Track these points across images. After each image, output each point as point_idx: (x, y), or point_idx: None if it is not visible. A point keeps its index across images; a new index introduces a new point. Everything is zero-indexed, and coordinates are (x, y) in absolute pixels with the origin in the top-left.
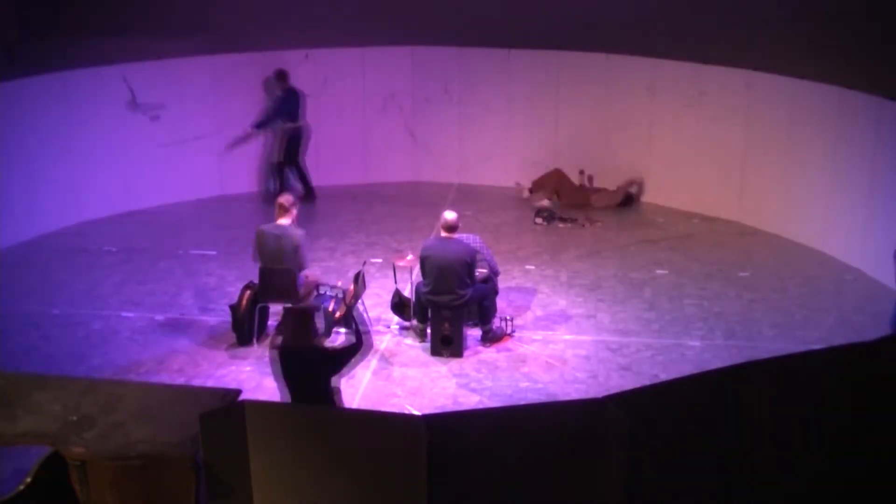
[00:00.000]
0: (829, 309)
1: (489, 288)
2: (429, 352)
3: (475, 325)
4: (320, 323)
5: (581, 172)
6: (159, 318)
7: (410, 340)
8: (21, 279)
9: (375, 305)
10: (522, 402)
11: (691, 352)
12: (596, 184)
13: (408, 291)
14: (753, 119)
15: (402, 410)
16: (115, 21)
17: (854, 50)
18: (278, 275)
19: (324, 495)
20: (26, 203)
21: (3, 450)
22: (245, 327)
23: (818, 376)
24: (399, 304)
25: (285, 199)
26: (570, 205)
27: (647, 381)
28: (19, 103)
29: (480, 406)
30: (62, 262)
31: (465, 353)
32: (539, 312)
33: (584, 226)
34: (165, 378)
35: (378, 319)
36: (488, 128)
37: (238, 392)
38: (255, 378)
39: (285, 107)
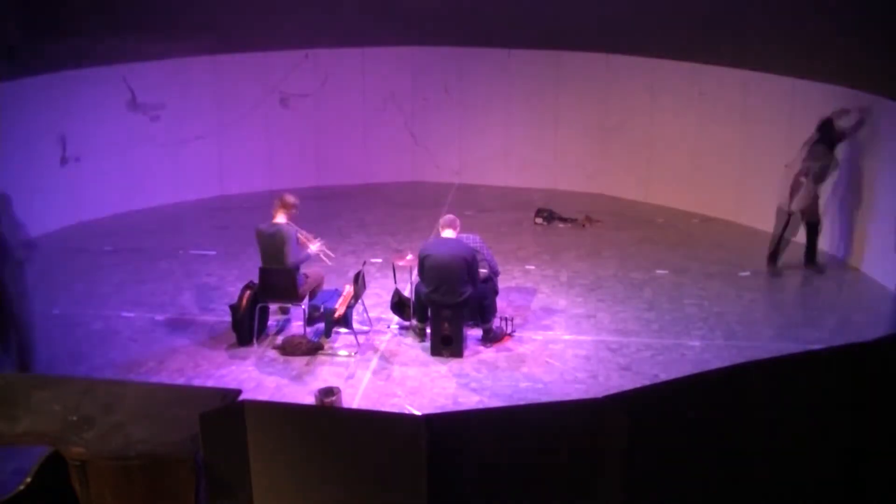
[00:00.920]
0: (829, 309)
1: (489, 288)
2: (429, 352)
3: (475, 325)
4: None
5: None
6: (159, 318)
7: (410, 340)
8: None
9: (375, 305)
10: (522, 402)
11: (691, 352)
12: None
13: (408, 291)
14: (753, 119)
15: (402, 410)
16: (115, 21)
17: (855, 50)
18: (278, 275)
19: (324, 495)
20: (26, 203)
21: (3, 450)
22: (245, 327)
23: (818, 376)
24: (399, 304)
25: (286, 195)
26: None
27: (647, 381)
28: (19, 103)
29: (480, 406)
30: (62, 262)
31: (465, 353)
32: (539, 312)
33: (584, 226)
34: (165, 378)
35: (378, 319)
36: (488, 128)
37: (238, 392)
38: (255, 378)
39: None
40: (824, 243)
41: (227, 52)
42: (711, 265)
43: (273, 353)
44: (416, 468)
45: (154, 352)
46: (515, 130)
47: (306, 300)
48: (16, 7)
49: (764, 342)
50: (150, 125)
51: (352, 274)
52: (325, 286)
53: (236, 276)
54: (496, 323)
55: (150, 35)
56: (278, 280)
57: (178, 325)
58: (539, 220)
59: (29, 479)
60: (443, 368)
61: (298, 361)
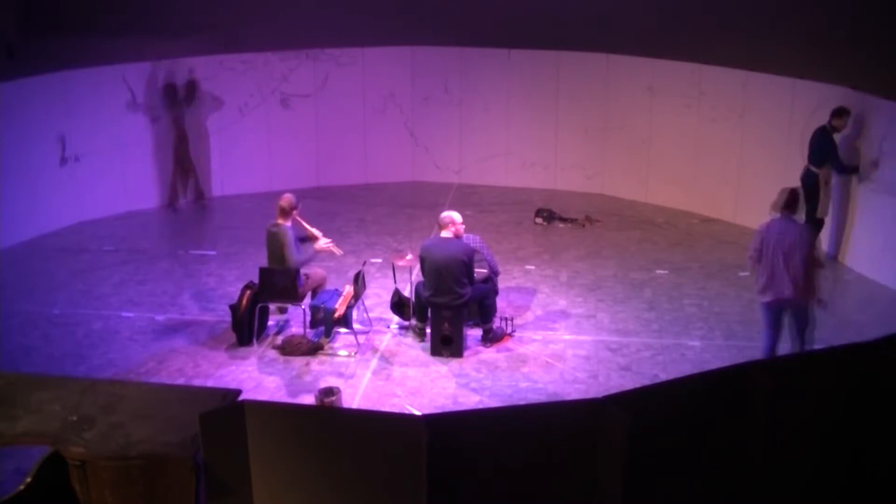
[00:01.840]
0: (829, 309)
1: (489, 288)
2: (429, 352)
3: (475, 324)
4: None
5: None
6: (159, 318)
7: (410, 340)
8: (21, 279)
9: (375, 305)
10: (522, 402)
11: (691, 352)
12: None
13: (407, 291)
14: (752, 119)
15: (402, 410)
16: (115, 21)
17: (855, 50)
18: (278, 275)
19: (324, 495)
20: (26, 203)
21: (3, 450)
22: (245, 327)
23: (818, 376)
24: (399, 304)
25: (282, 199)
26: None
27: (647, 381)
28: (19, 103)
29: (480, 406)
30: (62, 262)
31: (465, 353)
32: (539, 312)
33: (584, 226)
34: (165, 378)
35: (378, 319)
36: (488, 128)
37: (238, 392)
38: (255, 378)
39: None
40: (824, 243)
41: (227, 52)
42: (711, 265)
43: (273, 353)
44: (416, 468)
45: (154, 352)
46: (515, 130)
47: (307, 300)
48: (16, 7)
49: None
50: (150, 125)
51: (352, 274)
52: (326, 286)
53: (236, 276)
54: (496, 323)
55: (149, 35)
56: (278, 280)
57: (178, 325)
58: (539, 220)
59: (29, 479)
60: (443, 368)
61: (298, 361)
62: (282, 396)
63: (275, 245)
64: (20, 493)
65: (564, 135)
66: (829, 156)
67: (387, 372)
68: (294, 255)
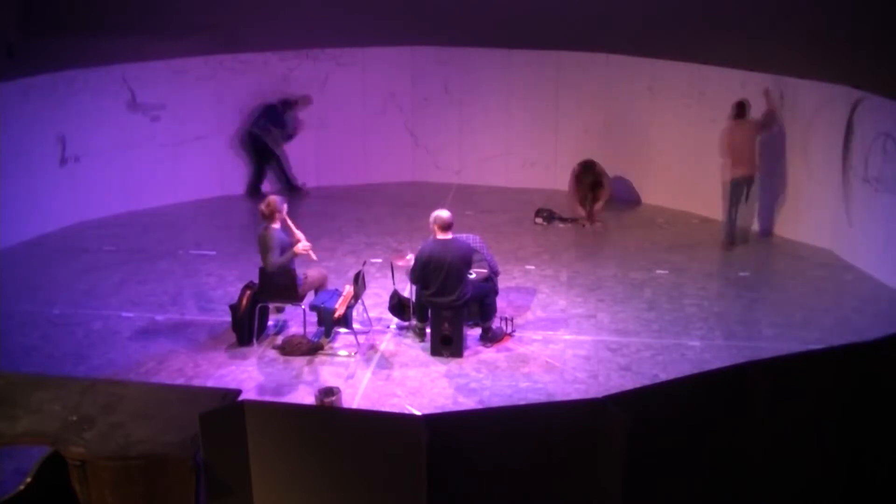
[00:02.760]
0: (829, 309)
1: (489, 288)
2: (429, 352)
3: (475, 324)
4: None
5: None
6: (159, 318)
7: (410, 340)
8: (21, 279)
9: (375, 305)
10: (522, 402)
11: (691, 352)
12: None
13: (407, 292)
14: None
15: (402, 410)
16: (115, 21)
17: (856, 49)
18: (278, 275)
19: (324, 495)
20: (26, 203)
21: (3, 450)
22: (245, 327)
23: (818, 376)
24: (399, 305)
25: (261, 205)
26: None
27: (647, 381)
28: (19, 103)
29: (480, 406)
30: (62, 262)
31: (465, 353)
32: (539, 312)
33: (584, 226)
34: (165, 378)
35: (378, 319)
36: (488, 128)
37: (238, 392)
38: (255, 378)
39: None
40: (825, 243)
41: (227, 52)
42: (711, 265)
43: (273, 353)
44: (416, 468)
45: (154, 352)
46: (515, 130)
47: (307, 300)
48: (16, 7)
49: (764, 342)
50: (149, 125)
51: (352, 274)
52: (327, 286)
53: (236, 276)
54: (496, 323)
55: (149, 35)
56: (278, 280)
57: (178, 325)
58: (539, 220)
59: (29, 479)
60: (443, 368)
61: (298, 361)
62: (282, 396)
63: (260, 245)
64: (20, 493)
65: (564, 135)
66: None
67: (387, 372)
68: (271, 256)
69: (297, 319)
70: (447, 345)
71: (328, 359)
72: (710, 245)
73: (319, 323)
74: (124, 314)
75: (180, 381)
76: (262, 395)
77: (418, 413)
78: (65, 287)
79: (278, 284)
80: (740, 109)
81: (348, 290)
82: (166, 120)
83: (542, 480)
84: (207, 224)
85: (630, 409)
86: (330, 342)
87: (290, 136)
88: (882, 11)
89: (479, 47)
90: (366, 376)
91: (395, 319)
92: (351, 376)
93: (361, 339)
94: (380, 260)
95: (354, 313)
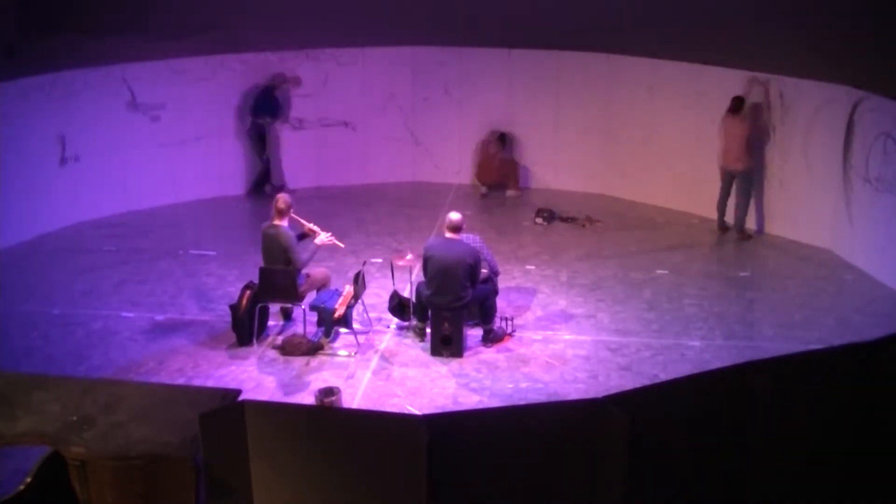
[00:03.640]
0: (829, 309)
1: (490, 288)
2: (429, 352)
3: (476, 325)
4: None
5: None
6: (159, 318)
7: (410, 340)
8: (21, 279)
9: (375, 305)
10: (522, 402)
11: (691, 352)
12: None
13: (407, 292)
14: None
15: (402, 410)
16: (115, 21)
17: (856, 49)
18: (278, 275)
19: (324, 495)
20: (26, 203)
21: (3, 450)
22: (245, 327)
23: (818, 376)
24: (399, 306)
25: (278, 199)
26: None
27: (647, 381)
28: (19, 103)
29: (480, 406)
30: (62, 262)
31: (465, 353)
32: (539, 312)
33: (584, 226)
34: (165, 378)
35: (378, 319)
36: (488, 128)
37: (238, 392)
38: (255, 378)
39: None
40: (825, 243)
41: (227, 52)
42: (711, 265)
43: (273, 353)
44: (416, 468)
45: (154, 352)
46: (515, 130)
47: (307, 300)
48: (16, 7)
49: (764, 342)
50: (150, 125)
51: (352, 274)
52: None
53: (236, 276)
54: (496, 323)
55: (149, 35)
56: (278, 280)
57: (178, 325)
58: (539, 220)
59: (29, 479)
60: (443, 368)
61: (298, 361)
62: (282, 396)
63: (274, 246)
64: (20, 493)
65: (564, 135)
66: None
67: (387, 372)
68: (299, 254)
69: (297, 319)
70: (447, 345)
71: (328, 359)
72: (710, 245)
73: (319, 323)
74: (124, 314)
75: (180, 381)
76: (262, 395)
77: (418, 413)
78: (65, 287)
79: (278, 284)
80: (736, 104)
81: (348, 290)
82: (166, 120)
83: (542, 480)
84: (207, 224)
85: (630, 409)
86: (330, 342)
87: (285, 118)
88: (882, 11)
89: (479, 47)
90: (366, 376)
91: (395, 319)
92: (351, 376)
93: (361, 339)
94: (380, 260)
95: (354, 313)
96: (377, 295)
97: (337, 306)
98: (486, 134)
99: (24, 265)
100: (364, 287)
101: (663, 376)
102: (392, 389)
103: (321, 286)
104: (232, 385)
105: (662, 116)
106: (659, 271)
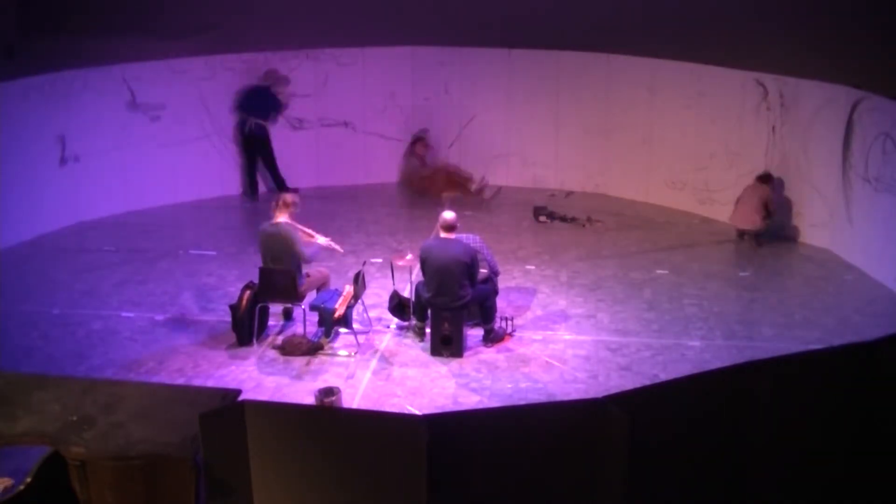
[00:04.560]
0: (829, 309)
1: (490, 288)
2: (429, 352)
3: (476, 325)
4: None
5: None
6: (159, 318)
7: (410, 340)
8: (21, 279)
9: (375, 305)
10: (522, 402)
11: (691, 352)
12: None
13: (407, 292)
14: (753, 119)
15: (402, 410)
16: (115, 21)
17: (856, 49)
18: (278, 275)
19: (324, 495)
20: (26, 203)
21: (3, 450)
22: (245, 327)
23: (818, 376)
24: (399, 306)
25: (285, 194)
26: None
27: (647, 381)
28: (19, 103)
29: (480, 406)
30: (62, 262)
31: (465, 353)
32: (539, 312)
33: (583, 226)
34: (165, 378)
35: (378, 319)
36: (488, 128)
37: (238, 392)
38: (255, 378)
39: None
40: (825, 243)
41: (227, 52)
42: (711, 265)
43: (273, 353)
44: (416, 468)
45: (154, 352)
46: (515, 130)
47: (307, 300)
48: (16, 7)
49: (764, 342)
50: (149, 125)
51: (352, 274)
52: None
53: (236, 276)
54: (497, 323)
55: (149, 35)
56: (278, 280)
57: (178, 325)
58: (542, 219)
59: (29, 479)
60: (443, 368)
61: (298, 361)
62: (282, 396)
63: (277, 244)
64: (20, 493)
65: (564, 135)
66: None
67: (387, 372)
68: (306, 251)
69: (297, 319)
70: (447, 345)
71: (328, 359)
72: (710, 245)
73: (320, 323)
74: (124, 314)
75: (180, 381)
76: (262, 395)
77: (418, 413)
78: (65, 287)
79: (278, 284)
80: (765, 176)
81: (348, 290)
82: (166, 120)
83: (542, 480)
84: (207, 224)
85: (630, 409)
86: (330, 342)
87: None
88: (882, 11)
89: (479, 47)
90: (366, 376)
91: (395, 319)
92: (351, 376)
93: (361, 339)
94: (380, 260)
95: (354, 313)
96: (377, 295)
97: (337, 306)
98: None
99: (24, 265)
100: (364, 287)
101: (663, 376)
102: (392, 389)
103: (321, 286)
104: (232, 385)
105: (662, 116)
106: (659, 271)
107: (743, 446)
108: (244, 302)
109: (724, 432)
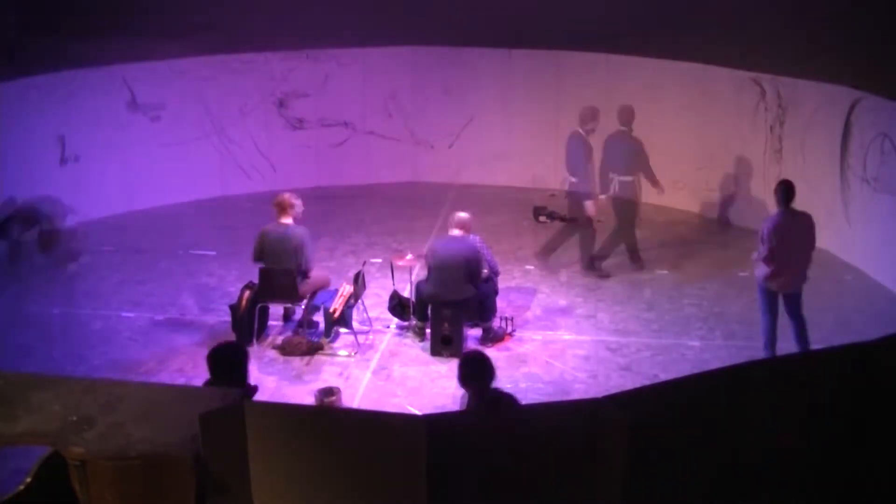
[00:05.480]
0: (829, 309)
1: (489, 288)
2: (429, 352)
3: (475, 324)
4: (321, 322)
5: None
6: (159, 318)
7: (410, 340)
8: (21, 279)
9: (375, 305)
10: (522, 402)
11: (691, 352)
12: None
13: (407, 291)
14: (751, 119)
15: (402, 410)
16: (115, 21)
17: (856, 49)
18: (278, 275)
19: (323, 495)
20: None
21: (3, 450)
22: (245, 327)
23: (818, 376)
24: (399, 306)
25: (287, 196)
26: None
27: (647, 381)
28: (19, 103)
29: None
30: (62, 262)
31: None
32: (539, 312)
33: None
34: (165, 378)
35: (378, 319)
36: (488, 128)
37: (238, 392)
38: (255, 378)
39: None
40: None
41: (227, 52)
42: (711, 265)
43: (273, 353)
44: (416, 468)
45: (154, 352)
46: (515, 130)
47: (305, 301)
48: (16, 7)
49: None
50: (149, 125)
51: (352, 274)
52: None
53: (236, 276)
54: (496, 323)
55: (149, 35)
56: (279, 280)
57: (178, 325)
58: (543, 219)
59: (29, 479)
60: (443, 368)
61: (298, 361)
62: (282, 396)
63: (283, 246)
64: (20, 493)
65: (564, 135)
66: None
67: (387, 372)
68: (312, 255)
69: (297, 319)
70: (447, 345)
71: (328, 359)
72: (710, 245)
73: (309, 325)
74: (124, 314)
75: (180, 381)
76: (262, 395)
77: (418, 413)
78: (65, 287)
79: (279, 285)
80: (789, 193)
81: (347, 289)
82: (166, 120)
83: (542, 480)
84: (207, 224)
85: (630, 409)
86: (330, 342)
87: None
88: (882, 11)
89: (479, 47)
90: (366, 376)
91: (395, 319)
92: (349, 376)
93: (361, 339)
94: (380, 260)
95: (354, 313)
96: (377, 295)
97: (335, 305)
98: None
99: (24, 265)
100: (364, 287)
101: (663, 376)
102: (392, 389)
103: (320, 287)
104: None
105: (663, 116)
106: (659, 271)
107: (743, 446)
108: (244, 302)
109: (724, 432)
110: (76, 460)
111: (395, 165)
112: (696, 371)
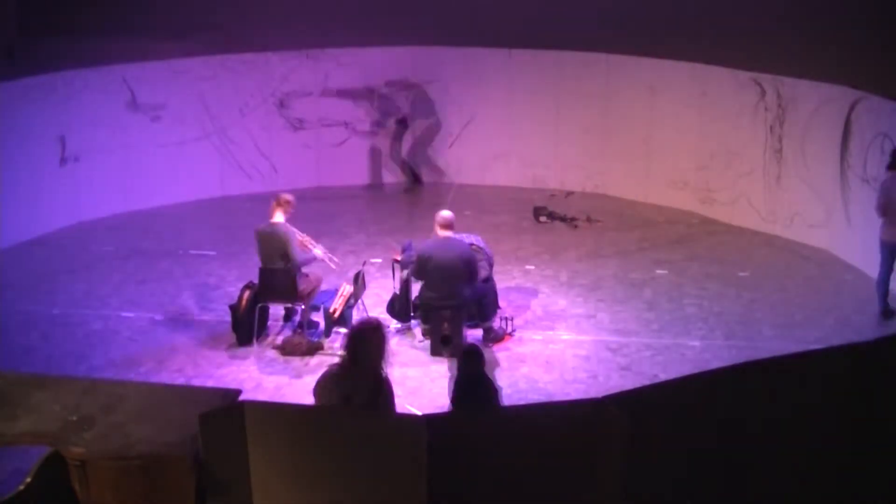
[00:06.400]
0: (829, 309)
1: (489, 288)
2: (429, 352)
3: (475, 324)
4: (321, 322)
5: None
6: (159, 318)
7: (410, 340)
8: (21, 279)
9: (375, 305)
10: (522, 402)
11: (691, 352)
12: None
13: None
14: (751, 119)
15: (402, 410)
16: (115, 21)
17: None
18: (278, 275)
19: (323, 495)
20: (27, 203)
21: (3, 450)
22: (245, 327)
23: (818, 376)
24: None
25: (282, 194)
26: None
27: (647, 381)
28: (19, 103)
29: None
30: (62, 262)
31: None
32: (539, 312)
33: (576, 226)
34: (165, 378)
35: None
36: (488, 128)
37: (238, 392)
38: (255, 378)
39: None
40: (825, 243)
41: (227, 52)
42: (711, 265)
43: (273, 353)
44: (416, 468)
45: (154, 352)
46: (515, 130)
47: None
48: (15, 7)
49: (764, 342)
50: (150, 125)
51: (352, 274)
52: (325, 286)
53: (236, 276)
54: (496, 323)
55: (149, 35)
56: (278, 280)
57: (178, 325)
58: (543, 219)
59: (29, 479)
60: (443, 368)
61: (298, 361)
62: (282, 396)
63: (271, 244)
64: (20, 493)
65: (564, 135)
66: None
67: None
68: (297, 251)
69: (297, 320)
70: (447, 345)
71: (328, 359)
72: (710, 245)
73: (308, 325)
74: (124, 314)
75: (180, 381)
76: (262, 395)
77: (418, 413)
78: (65, 287)
79: (278, 284)
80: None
81: (347, 289)
82: (166, 120)
83: (542, 480)
84: (207, 224)
85: (630, 409)
86: (330, 342)
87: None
88: (882, 11)
89: (479, 47)
90: None
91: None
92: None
93: None
94: (380, 260)
95: (354, 313)
96: (377, 295)
97: (335, 306)
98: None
99: (24, 265)
100: (364, 287)
101: (663, 376)
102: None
103: (315, 286)
104: (232, 385)
105: (663, 116)
106: (659, 271)
107: (743, 446)
108: (244, 302)
109: (724, 432)
110: (76, 460)
111: (394, 165)
112: (696, 371)
